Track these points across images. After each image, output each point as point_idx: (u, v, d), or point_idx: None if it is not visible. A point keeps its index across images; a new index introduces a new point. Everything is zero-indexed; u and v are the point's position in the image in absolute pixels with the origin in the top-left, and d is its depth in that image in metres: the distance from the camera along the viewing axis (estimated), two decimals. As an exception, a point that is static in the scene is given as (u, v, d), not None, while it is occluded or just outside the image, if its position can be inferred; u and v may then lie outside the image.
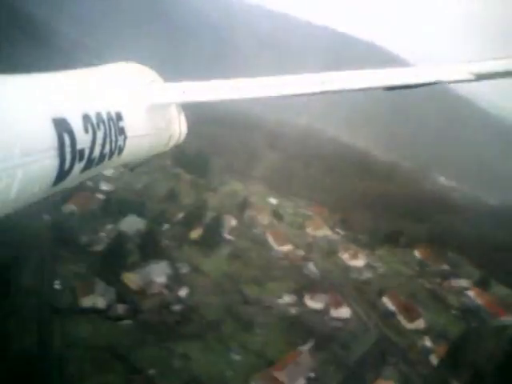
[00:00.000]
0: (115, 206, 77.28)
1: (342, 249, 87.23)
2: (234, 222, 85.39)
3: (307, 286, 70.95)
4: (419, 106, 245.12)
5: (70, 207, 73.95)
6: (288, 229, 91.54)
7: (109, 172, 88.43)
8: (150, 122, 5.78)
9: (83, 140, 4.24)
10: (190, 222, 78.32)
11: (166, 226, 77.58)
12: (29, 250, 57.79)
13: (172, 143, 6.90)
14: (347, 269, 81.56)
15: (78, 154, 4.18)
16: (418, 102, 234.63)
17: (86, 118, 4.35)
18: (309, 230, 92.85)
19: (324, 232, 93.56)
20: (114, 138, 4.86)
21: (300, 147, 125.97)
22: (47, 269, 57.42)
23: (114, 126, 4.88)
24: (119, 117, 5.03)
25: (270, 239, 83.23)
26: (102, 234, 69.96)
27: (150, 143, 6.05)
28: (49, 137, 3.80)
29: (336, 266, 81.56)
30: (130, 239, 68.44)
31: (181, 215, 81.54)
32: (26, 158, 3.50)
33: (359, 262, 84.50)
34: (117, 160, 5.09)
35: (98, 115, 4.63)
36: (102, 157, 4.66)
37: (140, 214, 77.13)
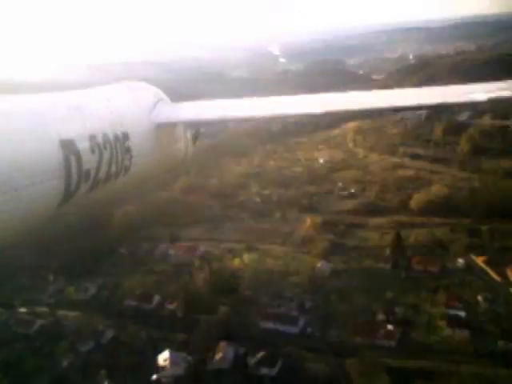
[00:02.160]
0: None
1: None
2: None
3: None
4: None
5: None
6: None
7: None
8: (156, 141, 6.74)
9: (89, 161, 4.78)
10: None
11: None
12: None
13: (178, 162, 8.37)
14: None
15: (85, 174, 4.79)
16: None
17: (92, 139, 5.07)
18: None
19: None
20: (120, 158, 5.64)
21: None
22: None
23: (120, 146, 5.61)
24: (126, 137, 5.79)
25: None
26: None
27: (156, 162, 7.09)
28: (55, 158, 4.45)
29: None
30: None
31: None
32: (33, 179, 4.02)
33: None
34: (123, 179, 6.01)
35: (105, 136, 5.24)
36: (108, 177, 5.36)
37: None
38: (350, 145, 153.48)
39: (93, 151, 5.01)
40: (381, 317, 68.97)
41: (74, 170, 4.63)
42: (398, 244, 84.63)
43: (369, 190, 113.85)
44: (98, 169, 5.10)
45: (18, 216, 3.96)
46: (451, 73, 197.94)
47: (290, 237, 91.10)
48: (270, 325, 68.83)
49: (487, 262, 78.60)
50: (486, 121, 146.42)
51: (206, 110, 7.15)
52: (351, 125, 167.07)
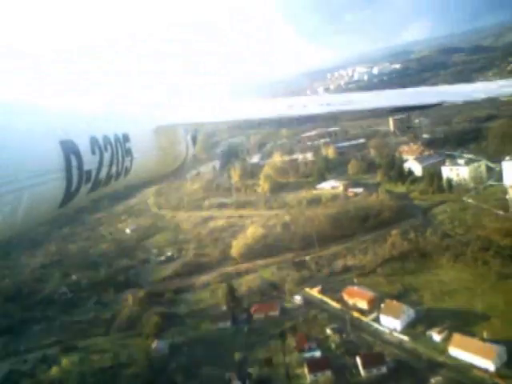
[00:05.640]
0: None
1: None
2: None
3: None
4: None
5: None
6: None
7: None
8: (156, 143, 6.77)
9: (90, 162, 4.88)
10: None
11: None
12: None
13: (178, 164, 8.13)
14: None
15: (85, 175, 4.81)
16: None
17: (93, 140, 4.99)
18: None
19: None
20: (120, 160, 5.58)
21: None
22: None
23: (120, 147, 5.59)
24: (126, 138, 5.80)
25: None
26: None
27: (157, 164, 7.11)
28: (56, 159, 4.32)
29: None
30: None
31: None
32: (33, 179, 3.95)
33: None
34: (124, 181, 6.00)
35: (105, 137, 5.29)
36: (108, 178, 5.38)
37: None
38: (154, 209, 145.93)
39: (93, 152, 4.96)
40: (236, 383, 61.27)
41: (74, 170, 4.56)
42: (232, 297, 78.73)
43: (186, 249, 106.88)
44: (98, 170, 5.03)
45: (18, 217, 3.85)
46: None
47: (114, 322, 78.69)
48: None
49: (322, 292, 77.04)
50: (277, 158, 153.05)
51: (206, 111, 7.24)
52: (151, 190, 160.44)
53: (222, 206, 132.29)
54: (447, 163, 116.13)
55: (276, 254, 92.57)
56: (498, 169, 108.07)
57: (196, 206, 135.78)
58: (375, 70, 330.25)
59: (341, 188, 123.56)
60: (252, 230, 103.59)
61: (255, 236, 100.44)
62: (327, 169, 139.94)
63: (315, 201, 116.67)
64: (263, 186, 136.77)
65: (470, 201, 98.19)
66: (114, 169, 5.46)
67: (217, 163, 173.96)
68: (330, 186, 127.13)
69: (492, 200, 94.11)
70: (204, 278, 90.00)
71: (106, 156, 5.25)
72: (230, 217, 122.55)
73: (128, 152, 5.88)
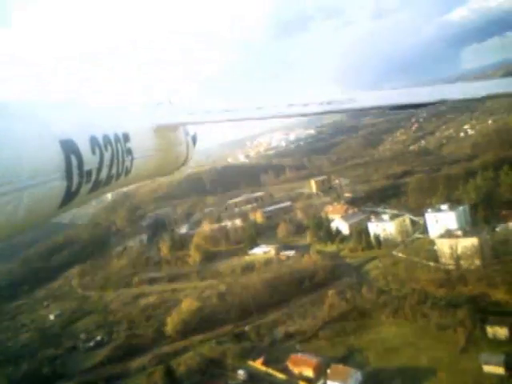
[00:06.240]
0: None
1: None
2: None
3: None
4: None
5: None
6: None
7: None
8: (157, 143, 6.61)
9: (90, 161, 4.79)
10: None
11: None
12: None
13: (179, 164, 8.06)
14: None
15: (86, 175, 4.74)
16: None
17: (93, 140, 4.90)
18: None
19: None
20: (121, 159, 5.47)
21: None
22: None
23: (121, 147, 5.50)
24: (126, 138, 5.71)
25: None
26: None
27: (157, 164, 6.96)
28: (56, 158, 4.25)
29: None
30: None
31: None
32: (34, 179, 3.91)
33: None
34: (124, 181, 5.88)
35: (106, 137, 5.21)
36: (109, 178, 5.27)
37: None
38: (79, 290, 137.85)
39: (93, 152, 4.89)
40: None
41: (75, 170, 4.55)
42: (171, 380, 73.73)
43: (117, 332, 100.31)
44: (99, 170, 5.01)
45: (19, 217, 3.88)
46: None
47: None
48: None
49: (266, 363, 73.88)
50: (206, 227, 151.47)
51: (207, 111, 7.01)
52: (74, 270, 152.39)
53: (152, 280, 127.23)
54: (373, 219, 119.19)
55: (214, 327, 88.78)
56: (421, 222, 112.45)
57: (125, 284, 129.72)
58: (292, 136, 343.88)
59: (272, 252, 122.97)
60: (186, 304, 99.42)
61: (190, 310, 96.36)
62: (257, 234, 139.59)
63: (249, 267, 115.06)
64: (194, 256, 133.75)
65: (399, 255, 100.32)
66: (114, 169, 5.47)
67: (144, 236, 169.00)
68: (261, 251, 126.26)
69: (421, 252, 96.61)
70: (138, 362, 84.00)
71: (107, 156, 5.25)
72: (162, 292, 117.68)
73: (128, 152, 5.87)
